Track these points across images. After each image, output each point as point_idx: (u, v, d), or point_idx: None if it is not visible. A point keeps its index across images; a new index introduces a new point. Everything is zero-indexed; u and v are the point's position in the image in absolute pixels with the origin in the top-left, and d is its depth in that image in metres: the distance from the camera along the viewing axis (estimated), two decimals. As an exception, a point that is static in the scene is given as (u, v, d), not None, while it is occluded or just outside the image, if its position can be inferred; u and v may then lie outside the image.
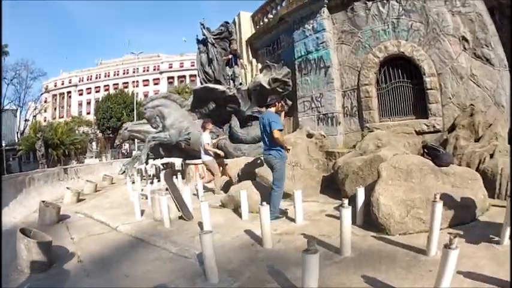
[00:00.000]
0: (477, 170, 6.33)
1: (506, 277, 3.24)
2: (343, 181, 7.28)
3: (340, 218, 4.34)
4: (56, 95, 79.25)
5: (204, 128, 9.88)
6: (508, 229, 4.05)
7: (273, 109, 6.51)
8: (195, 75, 53.92)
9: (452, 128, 8.00)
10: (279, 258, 4.45)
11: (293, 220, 6.13)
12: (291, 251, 4.66)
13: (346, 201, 4.42)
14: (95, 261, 5.10)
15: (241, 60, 14.03)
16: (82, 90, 78.66)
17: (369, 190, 5.57)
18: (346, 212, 4.30)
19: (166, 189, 7.38)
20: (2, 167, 29.73)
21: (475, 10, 8.19)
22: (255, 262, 4.41)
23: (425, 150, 6.30)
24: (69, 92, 79.31)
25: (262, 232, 4.97)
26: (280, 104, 6.86)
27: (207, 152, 9.53)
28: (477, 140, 7.39)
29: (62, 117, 70.75)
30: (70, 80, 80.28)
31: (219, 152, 10.00)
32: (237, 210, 7.15)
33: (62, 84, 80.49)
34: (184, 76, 73.51)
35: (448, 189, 5.24)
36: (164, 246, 5.40)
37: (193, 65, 56.98)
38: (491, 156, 6.64)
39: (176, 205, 6.98)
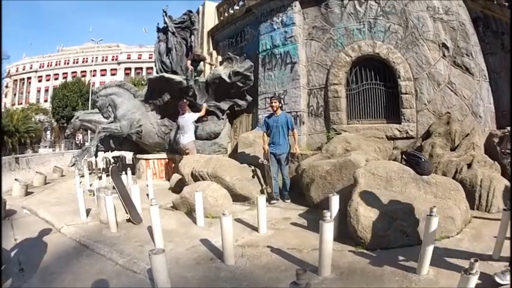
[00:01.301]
0: (453, 179, 5.96)
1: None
2: (308, 186, 6.77)
3: (320, 234, 3.63)
4: (16, 80, 75.85)
5: (184, 110, 10.20)
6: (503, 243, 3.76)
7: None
8: (152, 68, 53.02)
9: (427, 135, 7.70)
10: (245, 279, 3.77)
11: (255, 229, 5.47)
12: (257, 269, 3.98)
13: (328, 213, 3.68)
14: (37, 271, 4.45)
15: (207, 62, 13.20)
16: (42, 76, 75.44)
17: (342, 198, 5.00)
18: (328, 227, 3.60)
19: (114, 188, 6.50)
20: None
21: (458, 19, 8.00)
22: (217, 283, 3.71)
23: (404, 156, 5.82)
24: (29, 78, 75.92)
25: (223, 246, 4.24)
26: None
27: (188, 134, 9.81)
28: (453, 149, 7.12)
29: (21, 103, 67.40)
30: (31, 65, 76.80)
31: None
32: (190, 213, 6.49)
33: (24, 69, 77.03)
34: (141, 68, 72.18)
35: (431, 199, 4.86)
36: (110, 256, 4.71)
37: (151, 57, 56.27)
38: (469, 166, 6.35)
39: (124, 206, 6.22)
